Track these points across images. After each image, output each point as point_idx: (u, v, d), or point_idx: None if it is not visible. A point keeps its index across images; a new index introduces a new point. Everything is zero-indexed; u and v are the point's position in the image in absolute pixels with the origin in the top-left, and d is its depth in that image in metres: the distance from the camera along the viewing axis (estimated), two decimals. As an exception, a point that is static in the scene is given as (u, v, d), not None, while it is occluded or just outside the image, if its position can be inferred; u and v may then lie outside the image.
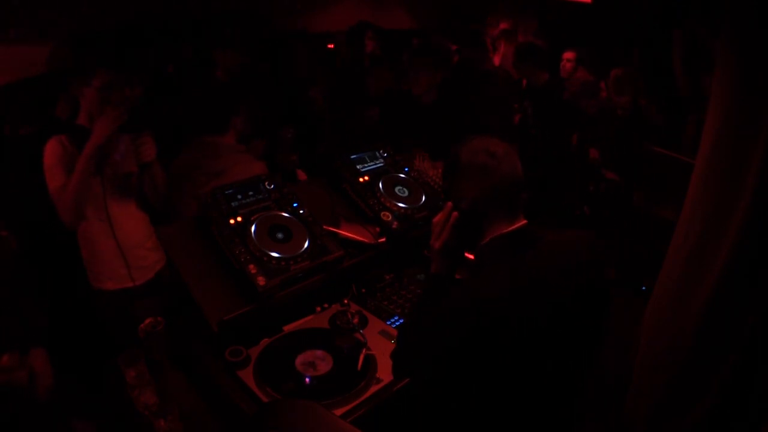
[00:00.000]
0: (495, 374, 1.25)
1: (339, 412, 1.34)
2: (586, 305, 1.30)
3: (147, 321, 1.59)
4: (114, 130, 2.03)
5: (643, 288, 2.85)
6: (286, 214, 1.85)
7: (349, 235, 1.91)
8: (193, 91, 3.22)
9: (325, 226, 1.87)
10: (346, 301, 1.76)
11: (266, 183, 1.92)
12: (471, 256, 2.05)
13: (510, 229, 1.33)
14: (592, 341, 1.35)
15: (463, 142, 1.37)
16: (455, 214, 1.36)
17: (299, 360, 1.52)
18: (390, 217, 2.00)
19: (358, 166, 2.18)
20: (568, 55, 4.78)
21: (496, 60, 4.37)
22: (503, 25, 4.48)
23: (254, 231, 1.74)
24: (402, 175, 2.23)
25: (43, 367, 1.75)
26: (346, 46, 4.52)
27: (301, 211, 1.87)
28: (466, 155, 1.34)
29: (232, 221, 1.74)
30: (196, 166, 2.33)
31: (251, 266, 1.63)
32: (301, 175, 2.83)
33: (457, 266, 1.48)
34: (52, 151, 2.11)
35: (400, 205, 2.08)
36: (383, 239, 1.96)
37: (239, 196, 1.83)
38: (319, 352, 1.55)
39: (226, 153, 2.36)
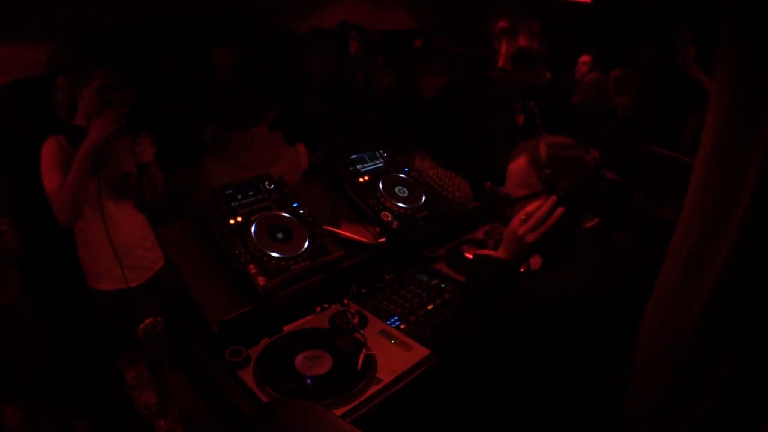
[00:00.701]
0: (555, 364, 1.29)
1: (339, 412, 1.34)
2: (632, 307, 1.34)
3: (147, 321, 1.59)
4: (112, 131, 2.03)
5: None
6: (286, 214, 1.85)
7: (349, 235, 1.91)
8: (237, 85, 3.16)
9: (325, 226, 1.87)
10: (346, 301, 1.76)
11: (266, 183, 1.92)
12: (470, 256, 2.06)
13: (591, 224, 1.38)
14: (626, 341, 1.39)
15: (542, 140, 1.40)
16: (561, 210, 1.35)
17: (299, 360, 1.52)
18: (390, 217, 2.00)
19: (358, 166, 2.18)
20: (585, 59, 4.79)
21: (500, 60, 4.37)
22: (502, 24, 4.49)
23: (254, 231, 1.74)
24: (402, 175, 2.23)
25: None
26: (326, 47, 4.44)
27: (301, 211, 1.87)
28: (549, 150, 1.38)
29: (232, 221, 1.74)
30: (240, 158, 2.30)
31: (251, 266, 1.63)
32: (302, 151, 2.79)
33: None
34: (49, 151, 2.11)
35: (400, 205, 2.07)
36: (383, 239, 1.96)
37: (239, 196, 1.83)
38: (319, 352, 1.55)
39: (269, 142, 2.36)
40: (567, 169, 1.36)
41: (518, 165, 1.43)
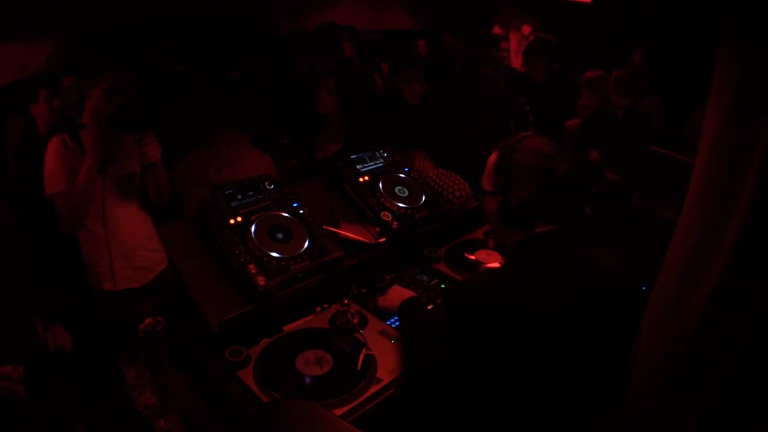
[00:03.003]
0: (511, 375, 1.27)
1: (339, 412, 1.34)
2: (613, 316, 1.33)
3: (147, 321, 1.59)
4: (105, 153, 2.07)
5: (643, 288, 2.84)
6: (286, 214, 1.85)
7: (349, 235, 1.91)
8: (212, 87, 3.24)
9: (325, 226, 1.87)
10: (346, 301, 1.76)
11: (266, 183, 1.92)
12: (472, 257, 2.06)
13: (543, 230, 1.34)
14: (615, 353, 1.36)
15: (515, 142, 1.36)
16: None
17: (299, 360, 1.52)
18: (390, 217, 2.00)
19: (358, 166, 2.18)
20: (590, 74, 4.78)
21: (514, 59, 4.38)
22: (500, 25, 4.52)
23: (254, 231, 1.74)
24: (402, 175, 2.23)
25: (64, 339, 1.90)
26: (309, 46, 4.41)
27: (301, 211, 1.87)
28: (515, 155, 1.33)
29: (232, 221, 1.74)
30: (213, 155, 2.43)
31: (251, 266, 1.63)
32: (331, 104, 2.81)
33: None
34: (53, 152, 2.10)
35: (400, 205, 2.07)
36: (383, 239, 1.96)
37: (239, 196, 1.83)
38: (319, 352, 1.55)
39: (239, 144, 2.47)
40: (526, 178, 1.31)
41: (490, 160, 1.41)
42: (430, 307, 1.75)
